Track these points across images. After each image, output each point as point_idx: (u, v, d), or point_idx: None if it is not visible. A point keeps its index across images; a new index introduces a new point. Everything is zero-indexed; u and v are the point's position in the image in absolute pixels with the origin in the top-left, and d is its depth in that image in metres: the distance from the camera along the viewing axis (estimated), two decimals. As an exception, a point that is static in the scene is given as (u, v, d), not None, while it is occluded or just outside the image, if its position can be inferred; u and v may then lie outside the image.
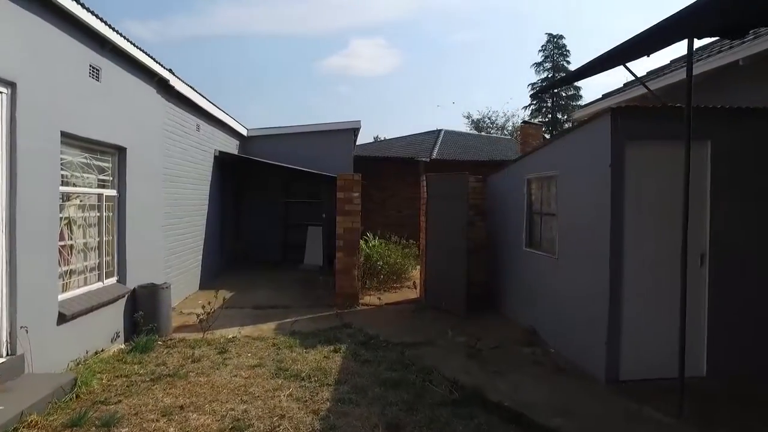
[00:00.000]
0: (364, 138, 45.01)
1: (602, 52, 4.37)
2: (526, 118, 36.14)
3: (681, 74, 6.52)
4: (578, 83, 40.80)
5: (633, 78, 9.69)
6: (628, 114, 4.88)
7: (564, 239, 5.90)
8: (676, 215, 4.82)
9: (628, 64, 5.10)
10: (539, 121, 35.13)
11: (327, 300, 8.76)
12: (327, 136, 13.73)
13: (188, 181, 9.24)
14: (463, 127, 43.97)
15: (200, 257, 10.03)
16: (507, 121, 44.10)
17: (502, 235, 7.98)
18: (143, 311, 6.49)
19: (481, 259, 8.62)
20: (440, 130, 22.14)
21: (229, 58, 72.09)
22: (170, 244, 8.29)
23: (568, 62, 40.92)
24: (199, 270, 9.97)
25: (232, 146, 12.48)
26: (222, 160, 11.58)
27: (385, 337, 6.65)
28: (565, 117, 40.43)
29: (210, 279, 10.58)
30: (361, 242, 9.73)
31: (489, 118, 43.91)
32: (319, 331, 6.93)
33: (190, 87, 8.81)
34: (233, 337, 6.63)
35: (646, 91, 8.64)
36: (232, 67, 72.05)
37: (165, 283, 6.99)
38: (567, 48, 41.03)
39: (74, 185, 5.61)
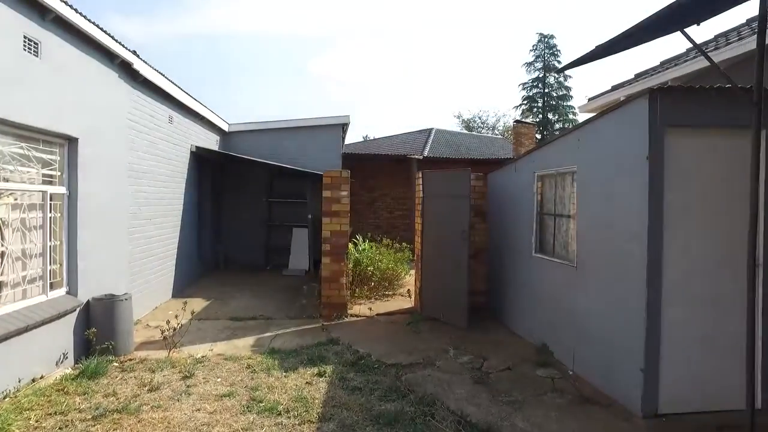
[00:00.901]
0: (352, 138, 43.96)
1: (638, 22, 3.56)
2: (518, 118, 35.41)
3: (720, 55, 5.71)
4: (569, 83, 40.34)
5: (640, 72, 8.99)
6: (670, 95, 4.05)
7: (584, 245, 5.07)
8: (729, 216, 4.03)
9: (660, 38, 4.31)
10: (530, 122, 34.53)
11: (312, 310, 7.86)
12: (314, 132, 12.82)
13: (159, 178, 8.29)
14: (453, 127, 43.18)
15: (174, 262, 9.07)
16: (498, 121, 43.49)
17: (505, 238, 7.15)
18: (97, 327, 5.54)
19: (481, 264, 7.79)
20: (431, 129, 21.38)
21: (215, 56, 70.72)
22: (137, 248, 7.34)
23: (559, 62, 40.40)
24: (173, 276, 9.01)
25: (211, 142, 11.53)
26: (200, 157, 10.62)
27: (378, 355, 5.78)
28: (557, 117, 39.92)
29: (185, 286, 9.62)
30: (350, 246, 8.86)
31: (480, 118, 43.25)
32: (302, 349, 6.04)
33: (160, 74, 7.87)
34: (203, 357, 5.71)
35: (661, 81, 7.91)
36: (217, 65, 70.70)
37: (126, 293, 6.05)
38: (558, 48, 40.50)
39: (5, 180, 4.66)
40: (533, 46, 40.77)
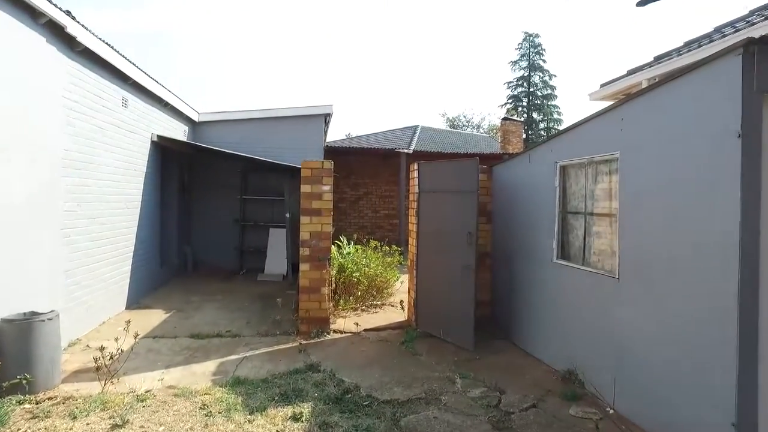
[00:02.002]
0: (334, 135, 42.57)
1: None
2: (505, 116, 34.55)
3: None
4: (554, 83, 39.67)
5: (660, 54, 7.96)
6: (774, 50, 2.95)
7: (632, 250, 3.96)
8: None
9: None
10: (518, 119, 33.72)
11: (288, 325, 6.63)
12: (294, 123, 11.56)
13: (108, 170, 6.97)
14: (439, 125, 42.23)
15: (129, 268, 7.74)
16: (483, 119, 42.68)
17: (515, 241, 6.02)
18: (6, 357, 4.26)
19: (484, 271, 6.65)
20: (417, 126, 20.30)
21: (187, 52, 68.65)
22: (76, 252, 6.03)
23: (544, 60, 39.78)
24: (127, 284, 7.68)
25: (177, 131, 10.20)
26: (164, 148, 9.30)
27: (368, 388, 4.60)
28: (542, 116, 39.23)
29: (144, 295, 8.29)
30: (332, 249, 7.67)
31: (465, 116, 42.37)
32: (274, 378, 4.83)
33: (108, 45, 6.56)
34: (148, 392, 4.44)
35: (682, 65, 6.88)
36: (189, 61, 68.59)
37: (52, 311, 4.74)
38: (543, 47, 39.85)
39: None
40: (518, 44, 40.11)
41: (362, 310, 7.56)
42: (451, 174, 6.00)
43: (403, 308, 7.18)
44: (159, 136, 8.84)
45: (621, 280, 4.08)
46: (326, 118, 12.18)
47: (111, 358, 4.55)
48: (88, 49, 6.05)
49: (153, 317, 7.04)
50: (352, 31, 67.25)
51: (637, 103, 3.99)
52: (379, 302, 7.91)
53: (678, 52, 7.19)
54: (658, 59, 7.50)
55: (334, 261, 7.45)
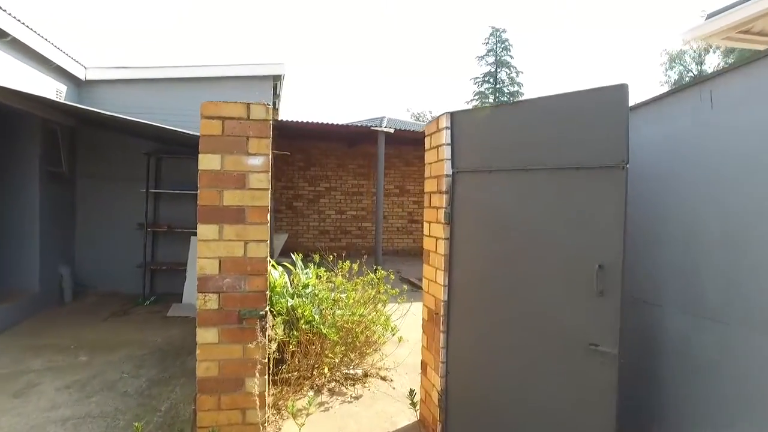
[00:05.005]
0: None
1: None
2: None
3: None
4: (521, 80, 37.34)
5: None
6: None
7: None
8: None
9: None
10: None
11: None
12: (230, 87, 7.89)
13: None
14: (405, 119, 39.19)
15: None
16: (449, 116, 39.84)
17: (681, 280, 2.68)
18: None
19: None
20: (383, 117, 16.92)
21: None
22: None
23: (511, 57, 37.39)
24: None
25: (46, 89, 6.39)
26: (17, 114, 5.49)
27: None
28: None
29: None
30: (276, 276, 4.16)
31: (430, 112, 39.45)
32: None
33: None
34: None
35: None
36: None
37: None
38: (510, 42, 37.43)
39: None
40: (485, 39, 37.52)
41: (331, 392, 4.04)
42: (548, 124, 2.51)
43: (413, 402, 3.61)
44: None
45: None
46: (276, 83, 8.57)
47: None
48: None
49: None
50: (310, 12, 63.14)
51: None
52: (359, 370, 4.38)
53: None
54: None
55: (280, 303, 3.91)
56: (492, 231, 2.79)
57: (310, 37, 63.17)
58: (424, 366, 3.47)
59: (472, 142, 2.92)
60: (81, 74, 7.27)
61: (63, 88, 6.93)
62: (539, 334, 2.50)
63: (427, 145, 3.42)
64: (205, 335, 2.74)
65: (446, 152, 3.06)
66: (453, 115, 3.06)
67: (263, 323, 2.79)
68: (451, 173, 3.04)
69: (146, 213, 7.29)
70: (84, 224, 7.44)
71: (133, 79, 7.59)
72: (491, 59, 37.47)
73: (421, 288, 8.70)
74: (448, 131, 3.07)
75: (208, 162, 2.74)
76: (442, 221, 3.09)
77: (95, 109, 5.82)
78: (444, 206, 3.07)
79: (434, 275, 3.24)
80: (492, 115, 3.00)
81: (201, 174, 2.74)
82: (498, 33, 37.32)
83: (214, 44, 61.79)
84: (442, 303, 3.10)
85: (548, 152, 2.46)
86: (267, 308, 2.83)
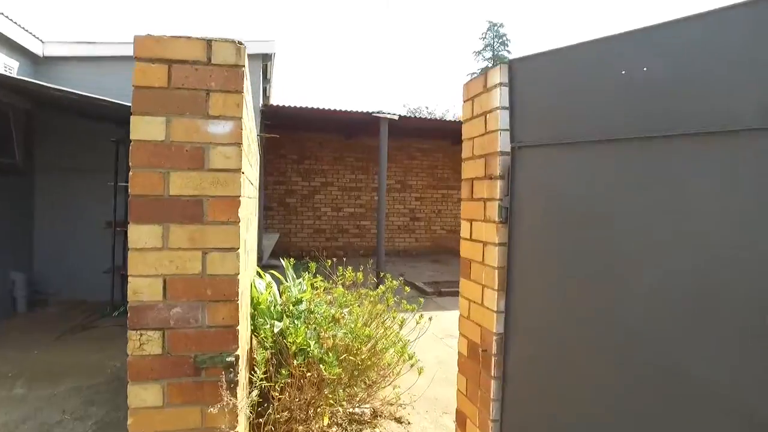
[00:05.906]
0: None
1: None
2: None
3: None
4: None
5: None
6: None
7: None
8: None
9: None
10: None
11: None
12: (212, 67, 6.88)
13: None
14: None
15: None
16: (447, 111, 38.84)
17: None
18: None
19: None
20: (380, 111, 16.02)
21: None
22: None
23: (509, 51, 36.47)
24: None
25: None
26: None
27: None
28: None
29: None
30: (261, 283, 3.20)
31: (427, 108, 38.39)
32: None
33: None
34: None
35: None
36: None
37: None
38: (507, 37, 36.54)
39: None
40: (483, 34, 36.61)
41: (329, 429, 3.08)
42: (698, 61, 1.53)
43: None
44: None
45: None
46: (266, 64, 7.56)
47: None
48: None
49: None
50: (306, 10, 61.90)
51: None
52: (367, 408, 3.42)
53: None
54: None
55: (264, 330, 2.94)
56: (585, 236, 1.82)
57: (301, 30, 61.93)
58: (461, 419, 2.51)
59: (548, 103, 1.95)
60: (38, 49, 6.24)
61: (14, 63, 5.90)
62: (680, 404, 1.53)
63: (466, 114, 2.45)
64: (142, 395, 1.76)
65: (501, 120, 2.10)
66: (513, 65, 2.09)
67: (232, 375, 1.82)
68: (509, 150, 2.08)
69: (114, 209, 6.27)
70: (43, 223, 6.41)
71: (100, 57, 6.55)
72: (488, 54, 36.55)
73: (428, 293, 7.66)
74: (505, 89, 2.10)
75: (145, 129, 1.76)
76: (495, 219, 2.13)
77: (51, 85, 4.79)
78: (498, 197, 2.11)
79: (480, 295, 2.28)
80: (589, 51, 1.84)
81: (134, 147, 1.76)
82: (495, 28, 36.42)
83: (201, 22, 60.41)
84: (494, 337, 2.14)
85: (698, 106, 1.49)
86: (238, 351, 1.85)
